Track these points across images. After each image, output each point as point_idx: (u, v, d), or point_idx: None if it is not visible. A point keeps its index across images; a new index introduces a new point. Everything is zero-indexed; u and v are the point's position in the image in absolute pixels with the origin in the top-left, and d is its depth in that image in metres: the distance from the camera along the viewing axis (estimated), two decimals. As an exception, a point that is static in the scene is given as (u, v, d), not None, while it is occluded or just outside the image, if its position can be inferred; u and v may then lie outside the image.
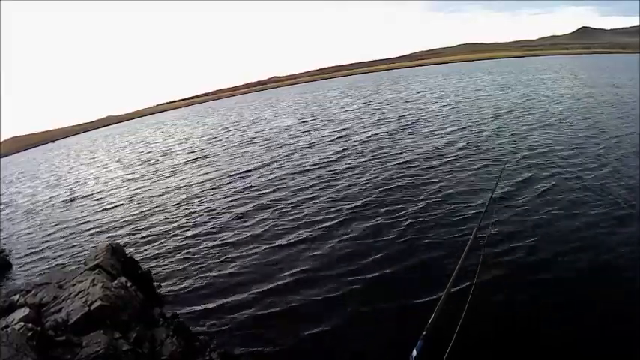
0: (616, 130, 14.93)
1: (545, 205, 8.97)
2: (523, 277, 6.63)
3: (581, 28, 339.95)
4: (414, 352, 2.18)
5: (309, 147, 19.65)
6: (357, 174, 13.54)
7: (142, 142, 41.33)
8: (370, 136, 19.74)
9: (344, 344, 5.77)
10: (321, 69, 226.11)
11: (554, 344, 5.10)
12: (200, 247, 9.96)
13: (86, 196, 19.20)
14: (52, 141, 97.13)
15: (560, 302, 5.89)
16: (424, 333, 2.30)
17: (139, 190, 17.68)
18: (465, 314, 3.05)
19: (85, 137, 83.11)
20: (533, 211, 8.80)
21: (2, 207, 21.45)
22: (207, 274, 8.46)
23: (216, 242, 10.01)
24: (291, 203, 11.78)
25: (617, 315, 5.45)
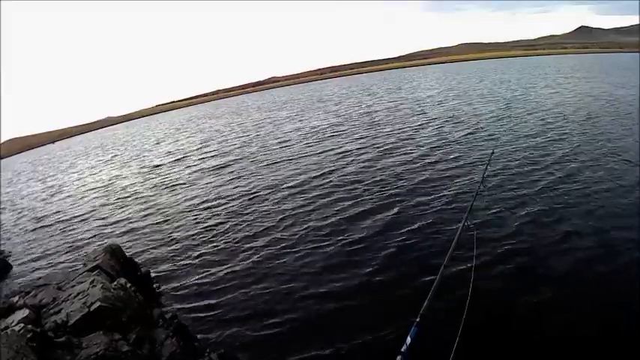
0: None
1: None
2: (518, 267, 6.77)
3: (579, 28, 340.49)
4: (408, 339, 2.21)
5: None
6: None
7: (146, 142, 41.28)
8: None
9: (341, 336, 5.83)
10: (321, 69, 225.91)
11: (551, 335, 5.15)
12: (201, 248, 9.95)
13: (86, 198, 19.21)
14: (53, 142, 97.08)
15: (558, 290, 6.01)
16: (417, 319, 2.33)
17: (142, 192, 17.63)
18: (458, 302, 3.10)
19: (85, 138, 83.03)
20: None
21: (2, 209, 21.45)
22: (207, 276, 8.45)
23: (217, 244, 10.00)
24: (294, 205, 11.80)
25: (618, 305, 5.57)
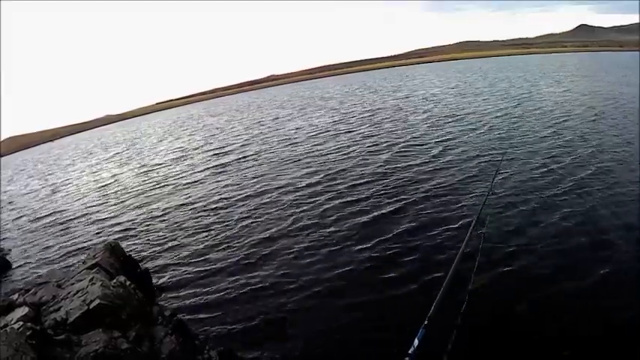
0: None
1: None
2: (522, 271, 6.69)
3: (579, 26, 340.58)
4: (416, 341, 2.24)
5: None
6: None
7: (147, 140, 41.17)
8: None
9: (345, 337, 5.80)
10: (319, 67, 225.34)
11: (554, 337, 5.14)
12: (202, 247, 9.94)
13: (86, 196, 19.20)
14: (52, 140, 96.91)
15: (560, 296, 5.96)
16: (425, 322, 2.36)
17: (142, 191, 17.55)
18: (465, 306, 3.12)
19: (84, 136, 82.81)
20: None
21: (2, 206, 21.42)
22: (207, 274, 8.47)
23: (219, 244, 9.98)
24: (299, 206, 11.77)
25: (619, 308, 5.53)
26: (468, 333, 2.75)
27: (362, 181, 12.68)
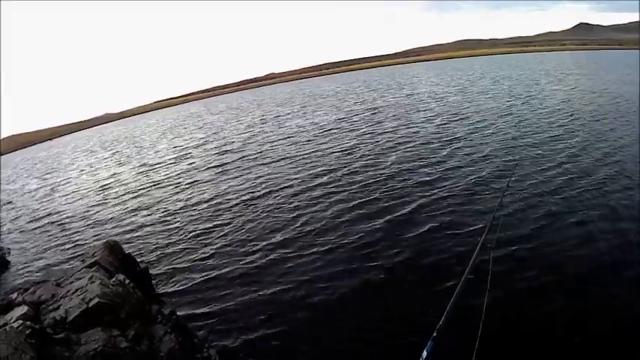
0: None
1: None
2: (534, 282, 6.41)
3: (578, 24, 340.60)
4: (424, 353, 2.21)
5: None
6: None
7: (147, 139, 41.05)
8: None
9: (350, 345, 5.67)
10: (318, 65, 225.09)
11: (570, 350, 4.99)
12: (202, 246, 9.92)
13: (85, 195, 19.17)
14: (51, 139, 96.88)
15: (574, 304, 5.81)
16: (434, 335, 2.33)
17: (142, 190, 17.52)
18: (477, 317, 3.09)
19: (84, 135, 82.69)
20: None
21: (1, 205, 21.39)
22: (207, 272, 8.46)
23: (219, 243, 9.95)
24: (296, 202, 11.79)
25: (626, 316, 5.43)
26: (478, 346, 2.70)
27: (369, 182, 12.31)
